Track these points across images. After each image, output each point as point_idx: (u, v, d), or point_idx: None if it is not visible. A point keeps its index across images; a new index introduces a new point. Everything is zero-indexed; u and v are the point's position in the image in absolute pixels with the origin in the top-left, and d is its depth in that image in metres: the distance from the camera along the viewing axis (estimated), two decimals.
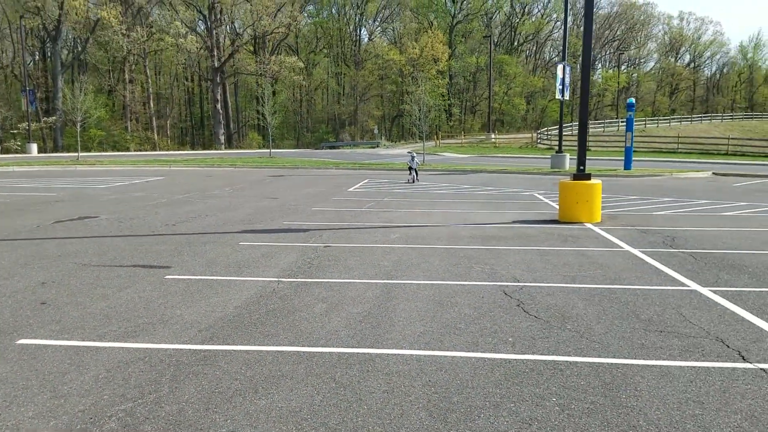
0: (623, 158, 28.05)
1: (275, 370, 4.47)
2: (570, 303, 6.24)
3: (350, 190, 19.18)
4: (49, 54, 59.01)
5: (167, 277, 7.43)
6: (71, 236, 10.41)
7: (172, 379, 4.32)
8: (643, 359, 4.64)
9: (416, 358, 4.70)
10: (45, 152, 50.04)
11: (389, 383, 4.23)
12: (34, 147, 46.31)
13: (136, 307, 6.14)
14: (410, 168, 21.83)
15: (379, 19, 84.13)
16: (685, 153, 42.41)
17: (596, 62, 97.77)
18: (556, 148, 30.97)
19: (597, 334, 5.25)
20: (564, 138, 30.52)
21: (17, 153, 46.62)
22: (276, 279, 7.29)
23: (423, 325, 5.50)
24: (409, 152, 23.15)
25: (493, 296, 6.52)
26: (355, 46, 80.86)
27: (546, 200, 16.39)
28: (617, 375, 4.34)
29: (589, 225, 11.82)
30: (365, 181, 22.58)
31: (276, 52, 70.79)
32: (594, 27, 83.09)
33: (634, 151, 35.62)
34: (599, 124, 65.20)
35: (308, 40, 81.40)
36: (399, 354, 4.79)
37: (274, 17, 64.56)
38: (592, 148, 46.16)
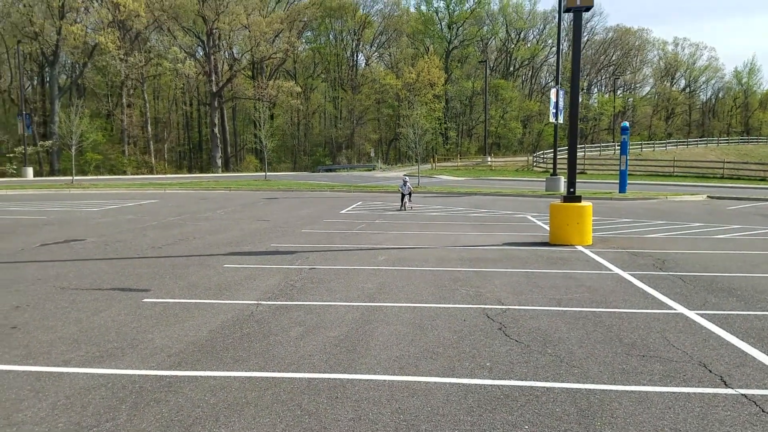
0: (618, 181, 28.03)
1: (240, 397, 4.31)
2: (553, 326, 6.10)
3: (342, 212, 19.08)
4: (47, 78, 59.34)
5: (145, 300, 7.28)
6: (54, 259, 10.27)
7: (132, 407, 4.15)
8: (623, 384, 4.49)
9: (388, 384, 4.54)
10: (41, 176, 50.03)
11: (357, 410, 4.07)
12: (30, 171, 46.30)
13: (108, 331, 5.99)
14: (402, 194, 20.02)
15: (375, 45, 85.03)
16: (681, 176, 42.47)
17: (592, 86, 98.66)
18: (551, 171, 30.99)
19: (578, 358, 5.10)
20: (559, 161, 30.56)
21: (13, 177, 46.58)
22: (255, 302, 7.14)
23: (400, 350, 5.35)
24: (402, 177, 21.80)
25: (475, 319, 6.37)
26: (352, 70, 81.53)
27: (539, 223, 16.28)
28: (594, 401, 4.18)
29: (579, 247, 11.70)
30: (359, 203, 22.50)
31: (274, 76, 71.31)
32: (590, 52, 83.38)
33: (630, 175, 35.72)
34: (595, 147, 65.44)
35: (306, 65, 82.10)
36: (371, 380, 4.63)
37: (272, 43, 65.24)
38: (588, 172, 46.22)
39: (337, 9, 76.04)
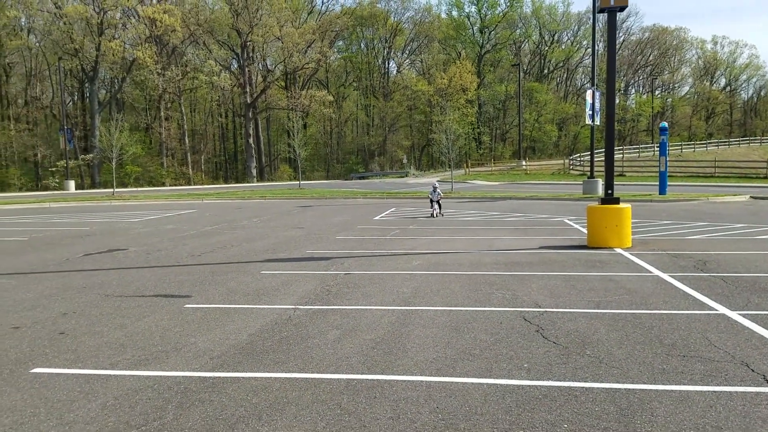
0: (658, 183, 27.50)
1: (281, 397, 4.40)
2: (592, 328, 6.05)
3: (376, 218, 19.19)
4: (87, 94, 61.20)
5: (186, 306, 7.47)
6: (98, 268, 10.59)
7: (177, 407, 4.29)
8: (663, 384, 4.44)
9: (426, 384, 4.58)
10: (83, 189, 51.57)
11: (395, 410, 4.12)
12: (72, 184, 47.74)
13: (152, 335, 6.17)
14: (432, 201, 19.57)
15: (407, 52, 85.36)
16: (723, 177, 41.41)
17: (630, 87, 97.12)
18: (589, 173, 30.58)
19: (617, 359, 5.06)
20: (596, 163, 30.12)
21: (55, 190, 48.10)
22: (293, 306, 7.26)
23: (436, 352, 5.38)
24: (432, 183, 21.16)
25: (512, 322, 6.36)
26: (383, 78, 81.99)
27: (576, 226, 16.09)
28: (634, 401, 4.15)
29: (618, 250, 11.54)
30: (392, 209, 22.58)
31: (306, 86, 72.22)
32: (626, 53, 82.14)
33: (670, 176, 34.99)
34: (634, 149, 64.27)
35: (338, 74, 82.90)
36: (408, 380, 4.68)
37: (305, 53, 66.04)
38: (627, 174, 45.45)
39: (368, 18, 76.70)
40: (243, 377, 4.85)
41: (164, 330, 6.36)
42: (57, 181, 51.15)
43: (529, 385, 4.51)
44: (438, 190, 19.62)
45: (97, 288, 8.74)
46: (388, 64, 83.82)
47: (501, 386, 4.51)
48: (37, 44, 59.50)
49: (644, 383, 4.48)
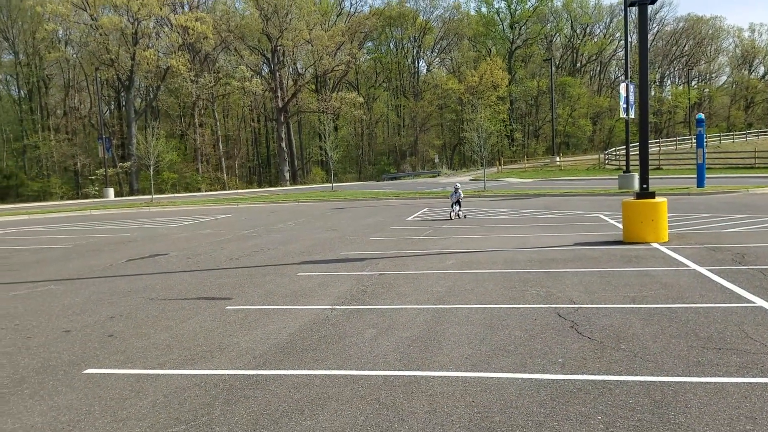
0: (696, 176, 26.98)
1: (322, 393, 4.58)
2: (627, 323, 6.07)
3: (409, 219, 19.31)
4: (123, 103, 62.83)
5: (228, 307, 7.71)
6: (141, 273, 10.97)
7: (224, 403, 4.49)
8: (698, 376, 4.47)
9: (461, 380, 4.70)
10: (121, 196, 52.99)
11: (432, 404, 4.25)
12: (111, 191, 49.09)
13: (196, 336, 6.42)
14: (453, 202, 18.85)
15: (436, 50, 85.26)
16: (763, 168, 40.30)
17: (665, 79, 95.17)
18: (624, 168, 30.18)
19: (652, 353, 5.09)
20: (632, 157, 29.71)
21: (95, 198, 49.53)
22: (330, 307, 7.45)
23: (471, 348, 5.49)
24: (454, 184, 20.33)
25: (546, 318, 6.42)
26: (413, 78, 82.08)
27: (612, 221, 15.96)
28: (668, 393, 4.20)
29: (655, 245, 11.44)
30: (424, 209, 22.68)
31: (337, 88, 72.77)
32: (660, 44, 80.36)
33: (709, 168, 34.26)
34: (671, 141, 63.00)
35: (368, 75, 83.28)
36: (444, 376, 4.81)
37: (334, 56, 66.59)
38: (664, 167, 44.62)
39: (397, 18, 76.88)
40: (285, 374, 5.04)
41: (208, 331, 6.60)
42: (96, 189, 52.66)
43: (563, 379, 4.59)
44: (459, 191, 18.95)
45: (142, 292, 9.07)
46: (418, 63, 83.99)
47: (535, 380, 4.60)
48: (75, 56, 61.38)
49: (679, 376, 4.52)
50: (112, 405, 4.59)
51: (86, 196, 51.72)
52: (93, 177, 54.97)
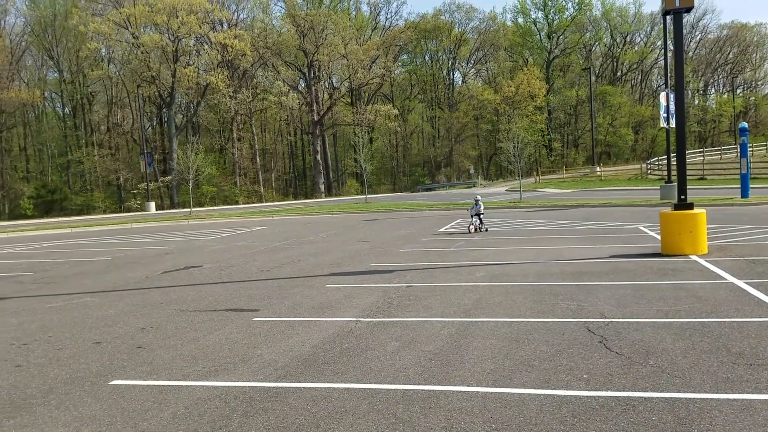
0: (740, 186, 26.13)
1: (339, 406, 4.55)
2: (658, 338, 5.89)
3: (441, 230, 19.20)
4: (164, 118, 64.41)
5: (255, 319, 7.77)
6: (175, 285, 11.16)
7: (242, 415, 4.51)
8: (725, 393, 4.30)
9: (481, 395, 4.61)
10: (162, 209, 54.18)
11: (449, 419, 4.17)
12: (152, 205, 50.26)
13: (222, 348, 6.47)
14: (472, 215, 18.14)
15: (472, 61, 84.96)
16: None
17: (709, 87, 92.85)
18: (666, 178, 29.47)
19: (680, 368, 4.91)
20: (674, 167, 28.93)
21: (137, 211, 50.76)
22: (355, 319, 7.43)
23: (494, 363, 5.39)
24: (474, 196, 19.44)
25: (574, 333, 6.27)
26: (448, 89, 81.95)
27: (651, 233, 15.56)
28: (693, 410, 4.04)
29: (693, 257, 11.11)
30: (457, 221, 22.52)
31: (372, 101, 73.18)
32: (703, 52, 78.34)
33: (754, 179, 33.15)
34: (716, 151, 61.24)
35: (402, 87, 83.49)
36: (464, 391, 4.72)
37: (369, 69, 67.05)
38: (708, 177, 43.37)
39: (432, 30, 76.98)
40: (304, 387, 5.04)
41: (233, 342, 6.66)
42: (138, 202, 53.99)
43: (586, 396, 4.46)
44: (480, 203, 18.17)
45: (174, 304, 9.22)
46: (453, 74, 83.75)
47: (558, 397, 4.48)
48: (117, 73, 63.25)
49: (706, 392, 4.35)
50: (133, 416, 4.65)
51: (128, 210, 53.06)
52: (135, 191, 56.40)
